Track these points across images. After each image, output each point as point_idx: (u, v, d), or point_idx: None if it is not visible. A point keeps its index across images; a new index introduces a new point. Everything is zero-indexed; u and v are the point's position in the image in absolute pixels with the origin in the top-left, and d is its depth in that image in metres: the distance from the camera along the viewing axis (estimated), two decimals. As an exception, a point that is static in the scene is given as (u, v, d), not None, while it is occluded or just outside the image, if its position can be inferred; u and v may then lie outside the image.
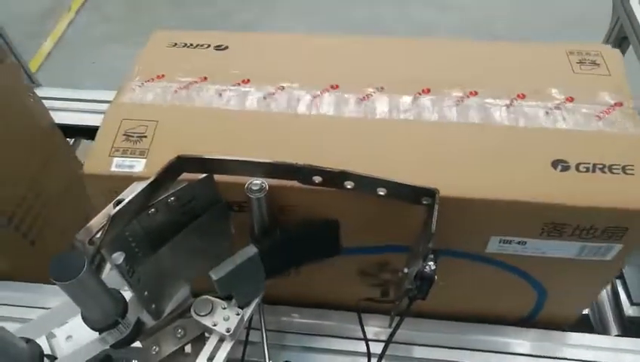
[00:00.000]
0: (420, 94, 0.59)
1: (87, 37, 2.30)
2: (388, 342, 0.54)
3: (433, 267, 0.48)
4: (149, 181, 0.45)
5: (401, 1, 2.31)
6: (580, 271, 0.58)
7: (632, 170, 0.52)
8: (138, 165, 0.53)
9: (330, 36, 0.70)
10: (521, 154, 0.54)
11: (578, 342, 0.67)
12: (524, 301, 0.66)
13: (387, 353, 0.55)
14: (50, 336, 0.49)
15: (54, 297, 0.70)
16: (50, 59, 2.21)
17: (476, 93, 0.59)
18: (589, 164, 0.52)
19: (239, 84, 0.61)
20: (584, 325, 0.78)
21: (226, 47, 0.66)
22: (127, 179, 0.51)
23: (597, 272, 0.59)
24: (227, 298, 0.51)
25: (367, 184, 0.49)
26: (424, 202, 0.49)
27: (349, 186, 0.49)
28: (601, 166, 0.52)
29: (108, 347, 0.48)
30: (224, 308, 0.50)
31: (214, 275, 0.48)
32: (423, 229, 0.50)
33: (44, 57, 2.21)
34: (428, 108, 0.58)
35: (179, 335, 0.51)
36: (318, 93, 0.60)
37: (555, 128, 0.55)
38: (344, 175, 0.49)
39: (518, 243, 0.55)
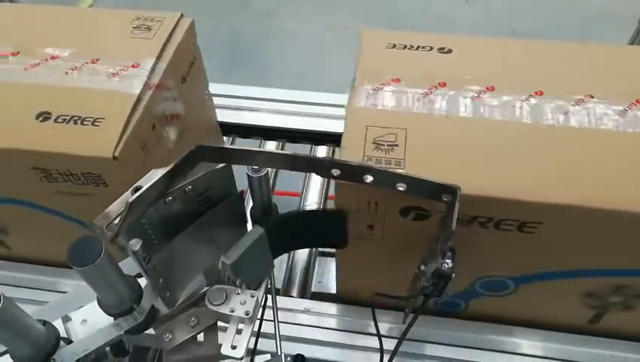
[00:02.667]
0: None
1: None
2: (401, 339, 0.54)
3: (450, 265, 0.47)
4: (167, 169, 0.45)
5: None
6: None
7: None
8: None
9: (531, 42, 0.67)
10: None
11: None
12: None
13: (400, 350, 0.55)
14: (65, 319, 0.49)
15: (71, 280, 0.71)
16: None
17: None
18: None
19: (483, 92, 0.58)
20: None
21: (450, 50, 0.63)
22: (382, 191, 0.50)
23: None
24: (238, 283, 0.51)
25: (386, 178, 0.48)
26: (444, 199, 0.48)
27: (368, 180, 0.49)
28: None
29: (122, 332, 0.48)
30: (238, 294, 0.50)
31: (227, 260, 0.48)
32: (441, 226, 0.49)
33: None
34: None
35: (192, 324, 0.52)
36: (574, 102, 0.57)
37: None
38: (363, 169, 0.48)
39: None
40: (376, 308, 0.64)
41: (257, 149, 0.48)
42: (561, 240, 0.53)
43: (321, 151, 0.97)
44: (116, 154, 0.55)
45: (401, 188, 0.48)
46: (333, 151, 0.96)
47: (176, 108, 0.70)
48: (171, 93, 0.67)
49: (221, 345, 0.48)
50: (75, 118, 0.58)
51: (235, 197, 0.52)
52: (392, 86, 0.59)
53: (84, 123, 0.57)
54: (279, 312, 0.60)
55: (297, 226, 0.56)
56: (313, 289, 0.85)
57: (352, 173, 0.48)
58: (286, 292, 0.77)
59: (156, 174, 0.45)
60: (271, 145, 0.97)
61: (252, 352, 0.57)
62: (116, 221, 0.42)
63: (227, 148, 0.48)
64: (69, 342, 0.48)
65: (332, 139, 0.93)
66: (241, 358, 0.48)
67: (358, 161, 0.51)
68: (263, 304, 0.55)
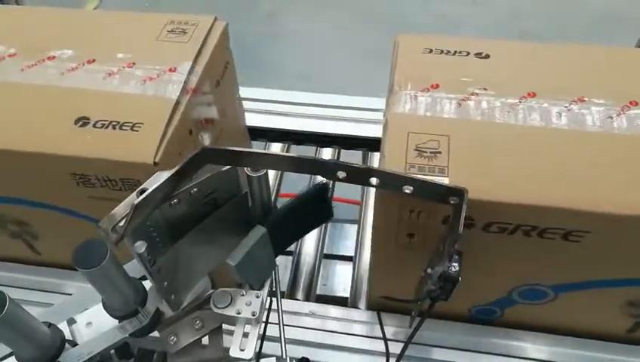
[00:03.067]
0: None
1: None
2: (407, 343, 0.53)
3: (457, 268, 0.47)
4: (172, 171, 0.45)
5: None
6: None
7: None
8: None
9: (565, 45, 0.67)
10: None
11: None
12: None
13: (406, 353, 0.54)
14: (70, 322, 0.49)
15: (76, 283, 0.71)
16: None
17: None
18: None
19: (523, 98, 0.58)
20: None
21: (487, 56, 0.63)
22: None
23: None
24: (241, 284, 0.51)
25: (392, 181, 0.48)
26: (452, 202, 0.48)
27: (374, 183, 0.48)
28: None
29: (127, 335, 0.48)
30: (243, 295, 0.50)
31: (232, 261, 0.48)
32: (449, 229, 0.49)
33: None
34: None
35: (197, 327, 0.51)
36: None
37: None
38: (370, 171, 0.48)
39: None
40: (382, 311, 0.64)
41: (263, 151, 0.48)
42: (609, 249, 0.52)
43: (327, 154, 0.97)
44: (157, 160, 0.54)
45: (407, 191, 0.48)
46: (338, 153, 0.96)
47: (212, 113, 0.69)
48: (207, 98, 0.67)
49: (227, 348, 0.47)
50: (113, 123, 0.57)
51: (240, 198, 0.52)
52: (431, 92, 0.58)
53: (123, 128, 0.56)
54: (284, 315, 0.59)
55: (293, 218, 0.56)
56: (318, 291, 0.85)
57: (357, 175, 0.48)
58: (291, 295, 0.77)
59: (162, 176, 0.45)
60: (276, 147, 0.97)
61: (257, 355, 0.56)
62: (121, 223, 0.42)
63: (233, 150, 0.48)
64: (74, 344, 0.48)
65: (336, 141, 0.93)
66: (251, 359, 0.48)
67: (400, 169, 0.51)
68: (267, 307, 0.55)
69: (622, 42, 0.96)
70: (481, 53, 0.63)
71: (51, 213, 0.64)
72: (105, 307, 0.46)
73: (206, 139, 0.68)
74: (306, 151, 0.95)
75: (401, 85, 0.59)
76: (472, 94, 0.58)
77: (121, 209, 0.43)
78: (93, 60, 0.65)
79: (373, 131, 0.89)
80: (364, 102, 0.95)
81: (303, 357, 0.56)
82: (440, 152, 0.52)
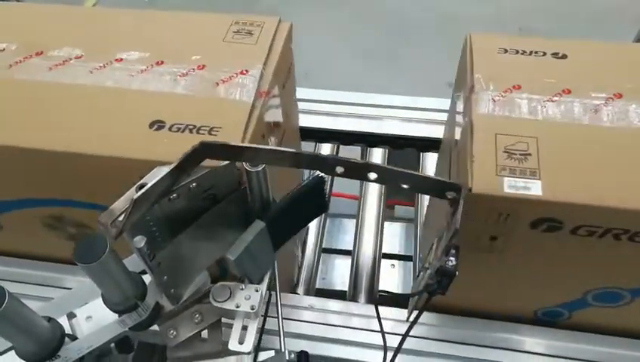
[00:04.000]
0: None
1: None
2: (405, 336, 0.54)
3: (454, 262, 0.47)
4: (171, 166, 0.45)
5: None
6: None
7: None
8: (534, 187, 0.50)
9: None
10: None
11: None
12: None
13: (403, 347, 0.55)
14: (70, 316, 0.50)
15: (76, 277, 0.71)
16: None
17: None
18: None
19: (610, 99, 0.57)
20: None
21: (565, 56, 0.62)
22: (521, 202, 0.50)
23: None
24: (240, 278, 0.51)
25: (390, 176, 0.48)
26: (449, 196, 0.48)
27: (372, 178, 0.48)
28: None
29: (127, 329, 0.49)
30: (242, 289, 0.51)
31: (231, 256, 0.48)
32: (447, 224, 0.49)
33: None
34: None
35: (196, 321, 0.52)
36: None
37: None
38: (368, 166, 0.48)
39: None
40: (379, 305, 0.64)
41: (261, 146, 0.48)
42: None
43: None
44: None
45: (405, 186, 0.48)
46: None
47: (279, 116, 0.68)
48: (275, 101, 0.65)
49: (226, 342, 0.48)
50: (190, 127, 0.55)
51: (239, 193, 0.52)
52: (514, 92, 0.58)
53: (200, 132, 0.55)
54: (283, 309, 0.60)
55: (291, 212, 0.56)
56: (317, 285, 0.86)
57: (356, 170, 0.48)
58: (291, 289, 0.77)
59: (161, 171, 0.45)
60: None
61: (256, 348, 0.57)
62: (121, 218, 0.42)
63: (231, 145, 0.48)
64: (73, 338, 0.48)
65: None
66: (249, 352, 0.48)
67: (491, 172, 0.51)
68: (267, 300, 0.55)
69: (622, 37, 0.96)
70: (557, 54, 0.62)
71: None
72: (105, 301, 0.46)
73: (273, 143, 0.67)
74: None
75: (483, 85, 0.58)
76: (556, 95, 0.57)
77: (121, 204, 0.43)
78: (162, 62, 0.63)
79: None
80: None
81: (301, 351, 0.57)
82: (530, 154, 0.52)
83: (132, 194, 0.43)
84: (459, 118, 0.63)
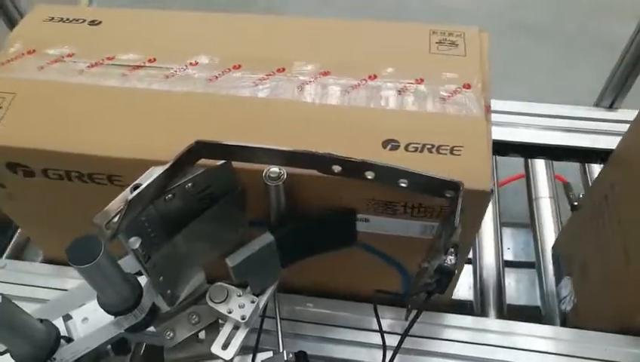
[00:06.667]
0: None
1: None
2: (404, 335, 0.53)
3: (454, 261, 0.46)
4: (166, 166, 0.45)
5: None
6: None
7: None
8: None
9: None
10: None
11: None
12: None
13: (403, 346, 0.54)
14: (66, 318, 0.49)
15: (72, 279, 0.71)
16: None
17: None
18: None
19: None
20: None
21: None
22: None
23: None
24: (242, 285, 0.51)
25: (388, 175, 0.48)
26: (447, 195, 0.47)
27: (369, 177, 0.48)
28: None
29: (123, 331, 0.48)
30: (239, 296, 0.50)
31: (230, 262, 0.48)
32: (444, 223, 0.49)
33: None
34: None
35: (193, 322, 0.51)
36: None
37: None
38: (365, 165, 0.48)
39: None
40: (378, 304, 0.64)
41: (256, 145, 0.48)
42: None
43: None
44: (492, 187, 0.50)
45: (403, 185, 0.48)
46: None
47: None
48: (490, 116, 0.59)
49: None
50: (427, 147, 0.52)
51: (236, 193, 0.52)
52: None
53: (441, 152, 0.51)
54: (281, 309, 0.59)
55: (309, 234, 0.55)
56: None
57: (353, 169, 0.48)
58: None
59: (155, 171, 0.44)
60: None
61: (254, 349, 0.56)
62: (115, 219, 0.41)
63: (226, 144, 0.48)
64: (69, 340, 0.47)
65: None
66: (230, 360, 0.47)
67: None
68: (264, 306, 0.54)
69: (620, 31, 0.95)
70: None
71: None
72: (100, 303, 0.46)
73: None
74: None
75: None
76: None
77: (115, 204, 0.43)
78: (375, 76, 0.59)
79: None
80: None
81: (300, 351, 0.56)
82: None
83: (127, 194, 0.42)
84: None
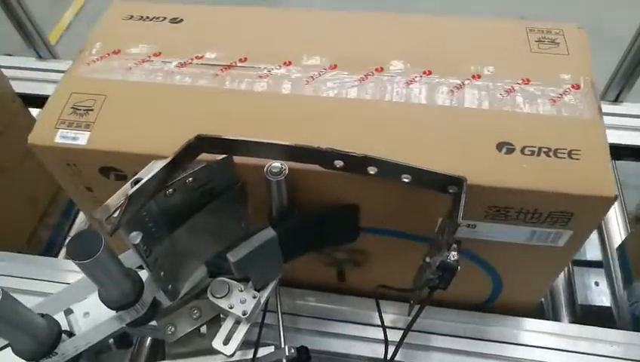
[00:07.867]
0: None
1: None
2: (407, 330, 0.53)
3: (456, 257, 0.46)
4: (166, 161, 0.44)
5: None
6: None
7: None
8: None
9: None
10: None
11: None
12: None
13: (405, 341, 0.54)
14: (67, 312, 0.49)
15: (73, 273, 0.71)
16: (70, 30, 2.21)
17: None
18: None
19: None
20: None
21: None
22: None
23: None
24: (244, 280, 0.50)
25: (390, 170, 0.47)
26: (450, 191, 0.47)
27: (372, 172, 0.48)
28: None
29: (124, 325, 0.48)
30: (241, 291, 0.50)
31: (232, 257, 0.47)
32: (447, 219, 0.48)
33: (63, 29, 2.20)
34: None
35: (195, 316, 0.51)
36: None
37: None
38: (367, 160, 0.47)
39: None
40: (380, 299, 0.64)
41: (257, 140, 0.47)
42: None
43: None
44: (616, 192, 0.48)
45: (406, 180, 0.47)
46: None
47: None
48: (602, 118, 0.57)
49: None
50: (544, 150, 0.50)
51: (237, 188, 0.51)
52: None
53: (559, 155, 0.49)
54: (283, 303, 0.59)
55: (311, 229, 0.55)
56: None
57: (355, 164, 0.47)
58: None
59: (156, 166, 0.44)
60: None
61: (255, 344, 0.56)
62: (116, 214, 0.41)
63: (226, 138, 0.47)
64: (70, 335, 0.47)
65: None
66: (231, 355, 0.47)
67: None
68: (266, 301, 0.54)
69: (633, 23, 0.93)
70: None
71: (396, 240, 0.59)
72: (101, 298, 0.46)
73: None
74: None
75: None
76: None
77: (116, 199, 0.42)
78: (478, 76, 0.56)
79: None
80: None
81: (301, 346, 0.56)
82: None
83: (127, 189, 0.42)
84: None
